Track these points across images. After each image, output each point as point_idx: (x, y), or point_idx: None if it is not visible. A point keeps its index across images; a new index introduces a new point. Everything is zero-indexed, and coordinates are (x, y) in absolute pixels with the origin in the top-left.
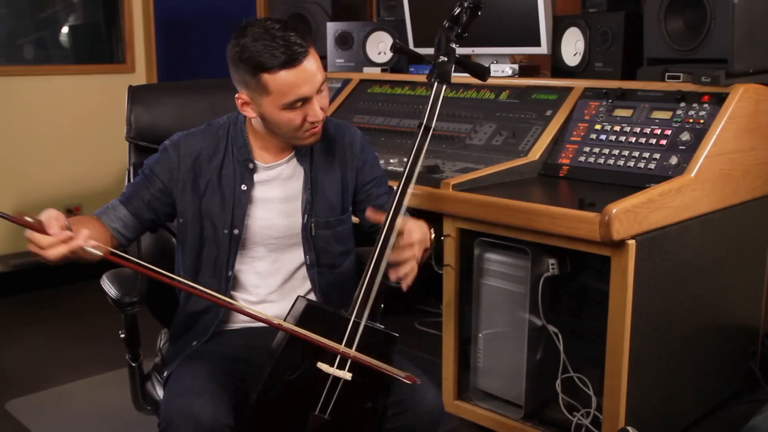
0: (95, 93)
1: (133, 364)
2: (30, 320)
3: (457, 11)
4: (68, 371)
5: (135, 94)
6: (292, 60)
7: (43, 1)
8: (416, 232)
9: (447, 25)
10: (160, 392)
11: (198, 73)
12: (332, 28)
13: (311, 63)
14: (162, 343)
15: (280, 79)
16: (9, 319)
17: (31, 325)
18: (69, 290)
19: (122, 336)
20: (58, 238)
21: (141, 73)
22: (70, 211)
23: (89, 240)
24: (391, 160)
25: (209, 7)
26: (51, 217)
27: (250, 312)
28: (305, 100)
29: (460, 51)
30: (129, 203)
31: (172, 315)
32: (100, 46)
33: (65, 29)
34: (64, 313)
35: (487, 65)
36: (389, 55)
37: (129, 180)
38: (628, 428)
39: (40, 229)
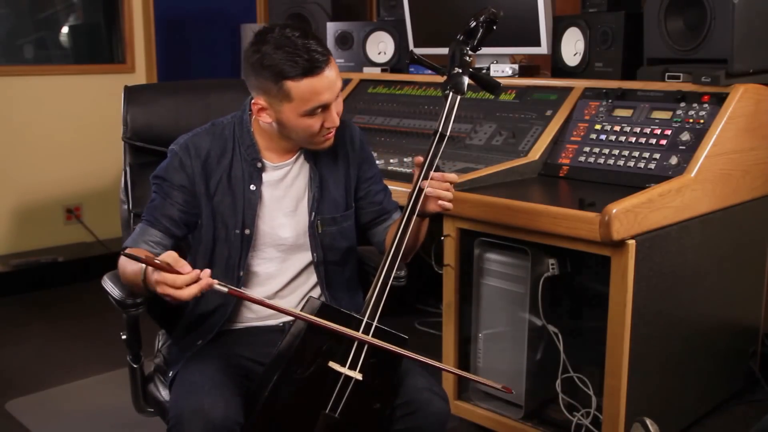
0: (95, 93)
1: (135, 366)
2: (30, 320)
3: (473, 25)
4: (68, 371)
5: (131, 94)
6: (314, 68)
7: (43, 1)
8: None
9: (461, 38)
10: (164, 393)
11: (198, 73)
12: (332, 28)
13: (332, 71)
14: (161, 344)
15: (303, 86)
16: (9, 319)
17: (31, 325)
18: (69, 290)
19: (123, 337)
20: (190, 277)
21: (141, 74)
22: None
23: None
24: (391, 160)
25: (209, 7)
26: (176, 258)
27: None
28: (325, 107)
29: None
30: (158, 223)
31: (170, 316)
32: (100, 46)
33: (65, 29)
34: (64, 313)
35: (487, 65)
36: (389, 55)
37: (126, 181)
38: (647, 420)
39: (172, 269)
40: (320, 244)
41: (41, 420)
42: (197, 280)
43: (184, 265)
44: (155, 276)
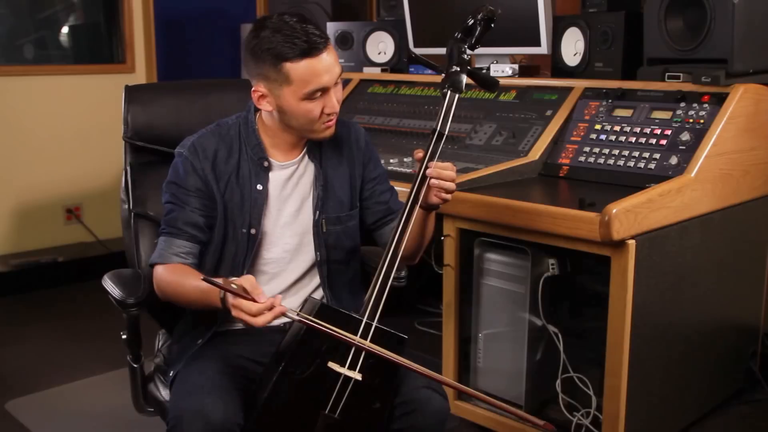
0: (95, 93)
1: (135, 366)
2: (30, 320)
3: (471, 23)
4: (68, 371)
5: (131, 93)
6: (313, 49)
7: (43, 1)
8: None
9: (459, 36)
10: (164, 393)
11: (198, 73)
12: (332, 28)
13: (330, 55)
14: (161, 343)
15: (302, 68)
16: (9, 319)
17: (31, 325)
18: (69, 290)
19: (124, 337)
20: (265, 306)
21: (141, 73)
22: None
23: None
24: (391, 160)
25: (209, 7)
26: (254, 284)
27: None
28: (324, 91)
29: None
30: (182, 233)
31: (170, 316)
32: (100, 46)
33: (65, 29)
34: (64, 313)
35: (487, 65)
36: (389, 55)
37: (126, 180)
38: None
39: (248, 297)
40: (324, 243)
41: (41, 420)
42: (272, 307)
43: (260, 294)
44: (230, 299)
